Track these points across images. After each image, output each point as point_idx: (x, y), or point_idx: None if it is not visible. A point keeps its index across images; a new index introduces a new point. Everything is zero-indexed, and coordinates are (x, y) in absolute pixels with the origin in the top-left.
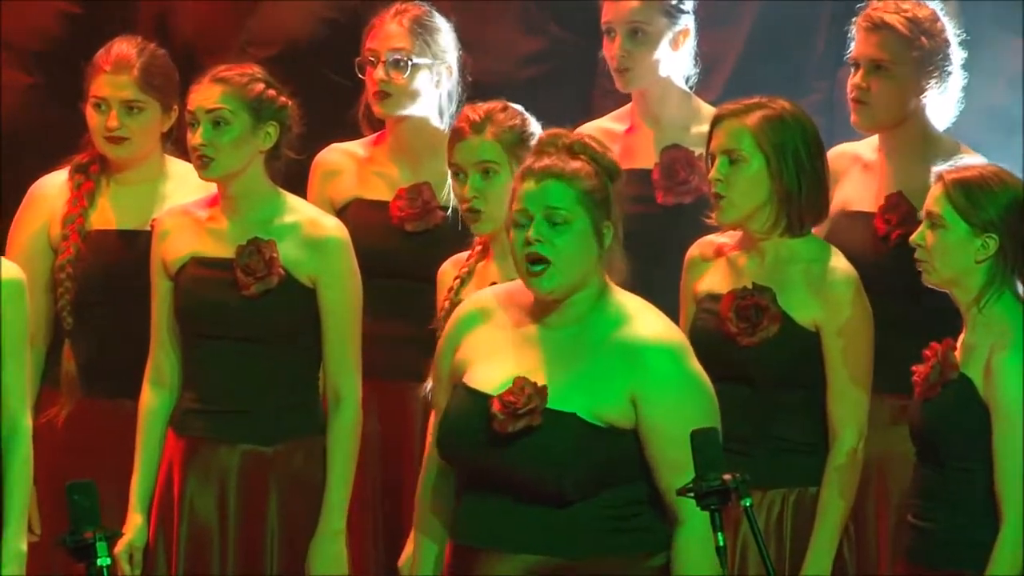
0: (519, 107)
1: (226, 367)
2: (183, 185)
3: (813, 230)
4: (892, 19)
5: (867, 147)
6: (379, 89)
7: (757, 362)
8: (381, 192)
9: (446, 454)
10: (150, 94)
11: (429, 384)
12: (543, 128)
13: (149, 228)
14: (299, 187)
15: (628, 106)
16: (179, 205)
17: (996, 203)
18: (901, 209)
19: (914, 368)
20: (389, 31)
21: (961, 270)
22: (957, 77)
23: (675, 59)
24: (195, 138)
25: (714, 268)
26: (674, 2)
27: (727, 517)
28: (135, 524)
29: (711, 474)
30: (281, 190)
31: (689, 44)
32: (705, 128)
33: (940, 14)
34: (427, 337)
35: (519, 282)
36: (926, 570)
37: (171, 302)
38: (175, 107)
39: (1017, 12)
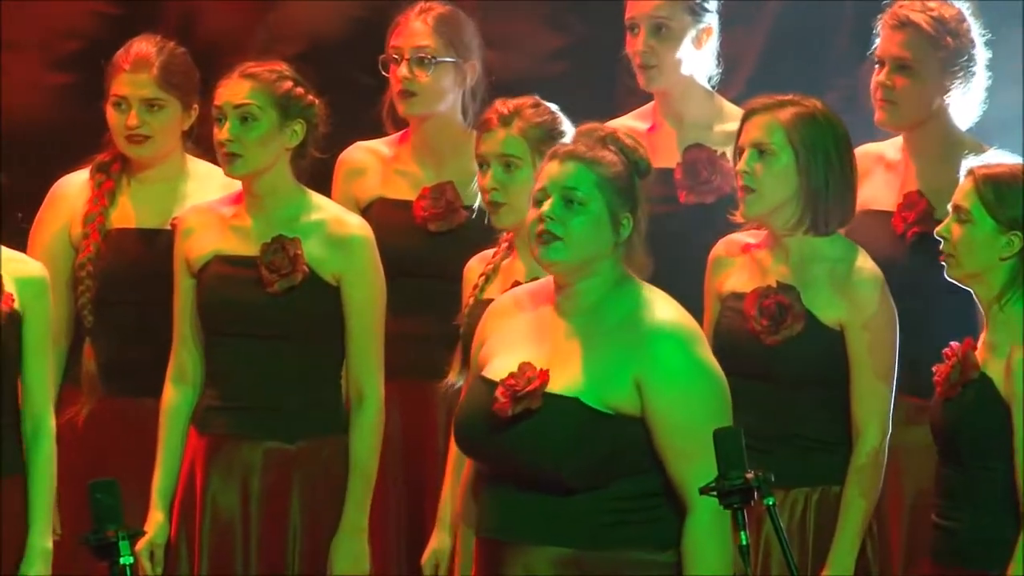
0: (552, 105)
1: (249, 365)
2: (204, 184)
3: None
4: (918, 18)
5: (891, 147)
6: (403, 88)
7: (781, 361)
8: (405, 191)
9: (459, 444)
10: (170, 92)
11: (450, 378)
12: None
13: (169, 227)
14: (324, 185)
15: (650, 104)
16: (203, 203)
17: None
18: (919, 208)
19: (935, 368)
20: (413, 29)
21: (985, 266)
22: (981, 77)
23: (698, 58)
24: (222, 133)
25: (738, 266)
26: (698, 0)
27: (750, 516)
28: (156, 522)
29: (733, 473)
30: (306, 188)
31: (712, 43)
32: (728, 127)
33: (966, 14)
34: (450, 336)
35: (543, 280)
36: (951, 570)
37: (194, 300)
38: (195, 105)
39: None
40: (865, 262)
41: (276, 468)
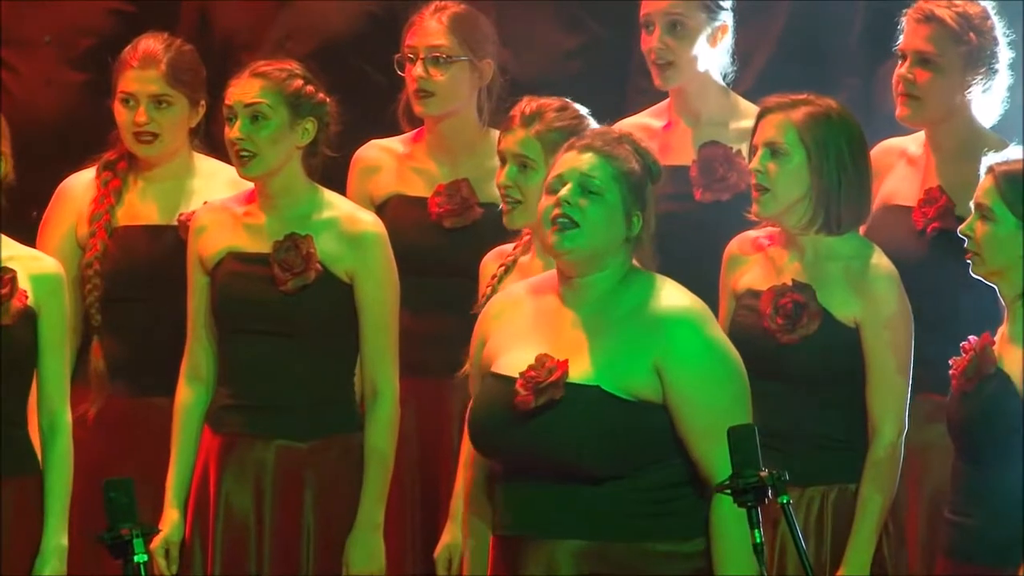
0: (582, 109)
1: (262, 363)
2: (211, 181)
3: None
4: (943, 13)
5: (913, 142)
6: (419, 87)
7: (796, 359)
8: (420, 188)
9: (476, 444)
10: (178, 88)
11: (467, 368)
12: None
13: (176, 223)
14: (339, 183)
15: (666, 102)
16: (215, 201)
17: None
18: (939, 204)
19: (952, 361)
20: (428, 28)
21: (1008, 263)
22: (1003, 76)
23: (713, 55)
24: (233, 132)
25: (754, 264)
26: None
27: (766, 514)
28: (171, 520)
29: (748, 470)
30: (318, 185)
31: (727, 41)
32: (744, 124)
33: (991, 12)
34: (465, 333)
35: (545, 274)
36: (965, 566)
37: (207, 297)
38: (202, 102)
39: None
40: (880, 259)
41: (289, 466)
